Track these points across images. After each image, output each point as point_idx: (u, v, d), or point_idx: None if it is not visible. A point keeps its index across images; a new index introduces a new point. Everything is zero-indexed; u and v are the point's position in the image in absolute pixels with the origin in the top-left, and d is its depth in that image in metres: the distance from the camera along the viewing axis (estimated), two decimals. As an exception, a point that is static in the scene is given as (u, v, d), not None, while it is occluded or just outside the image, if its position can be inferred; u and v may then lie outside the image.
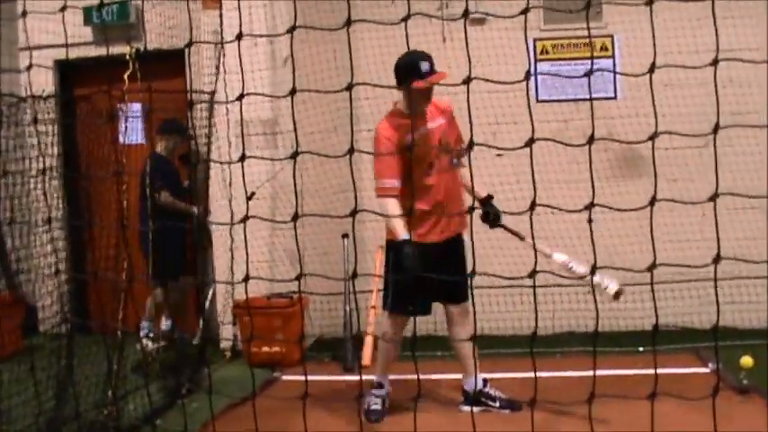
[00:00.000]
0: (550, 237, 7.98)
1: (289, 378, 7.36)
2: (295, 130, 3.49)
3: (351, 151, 3.06)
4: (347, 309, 7.65)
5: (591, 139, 2.99)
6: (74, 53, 8.50)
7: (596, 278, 5.57)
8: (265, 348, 7.73)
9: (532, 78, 8.73)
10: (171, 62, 8.42)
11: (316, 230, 8.22)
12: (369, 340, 7.06)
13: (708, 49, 3.03)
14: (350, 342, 7.56)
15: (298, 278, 3.37)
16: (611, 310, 7.95)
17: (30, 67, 4.56)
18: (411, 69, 5.75)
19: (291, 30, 3.22)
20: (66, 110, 8.28)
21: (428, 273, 5.50)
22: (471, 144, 3.15)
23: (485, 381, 6.20)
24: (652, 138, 2.92)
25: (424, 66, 5.74)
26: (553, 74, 8.52)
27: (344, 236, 7.84)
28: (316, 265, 7.77)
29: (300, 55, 8.18)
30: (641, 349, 7.58)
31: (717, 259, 2.75)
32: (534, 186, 2.96)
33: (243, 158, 3.44)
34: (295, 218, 3.33)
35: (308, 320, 8.26)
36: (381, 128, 5.91)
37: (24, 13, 4.43)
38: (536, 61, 8.73)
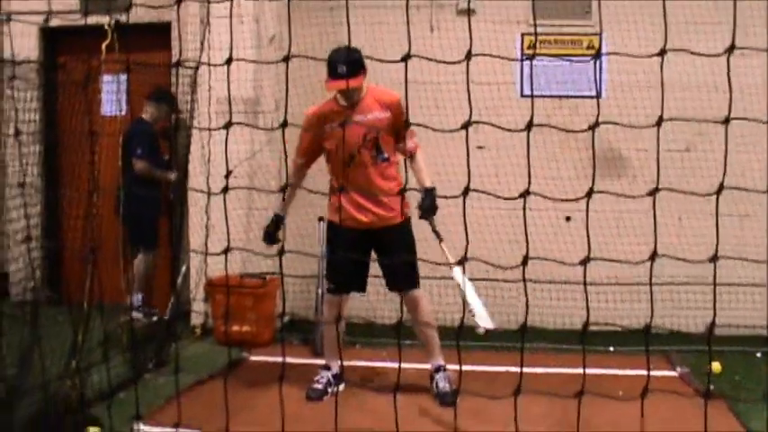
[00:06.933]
0: (528, 233, 7.96)
1: (257, 359, 7.33)
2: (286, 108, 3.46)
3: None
4: (319, 292, 7.60)
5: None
6: (58, 22, 8.44)
7: (476, 309, 5.69)
8: (236, 327, 7.67)
9: (517, 73, 8.69)
10: (154, 35, 8.33)
11: (292, 213, 8.18)
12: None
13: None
14: (321, 325, 7.52)
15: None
16: (583, 309, 7.96)
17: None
18: (329, 67, 5.85)
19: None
20: (48, 77, 8.20)
21: (347, 254, 6.01)
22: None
23: (440, 366, 6.20)
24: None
25: (341, 69, 5.77)
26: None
27: (320, 219, 7.80)
28: (291, 247, 7.71)
29: (286, 35, 8.11)
30: (611, 349, 7.58)
31: (718, 259, 2.75)
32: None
33: (229, 125, 3.38)
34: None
35: (280, 302, 8.22)
36: (311, 107, 6.12)
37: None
38: (522, 56, 8.70)
